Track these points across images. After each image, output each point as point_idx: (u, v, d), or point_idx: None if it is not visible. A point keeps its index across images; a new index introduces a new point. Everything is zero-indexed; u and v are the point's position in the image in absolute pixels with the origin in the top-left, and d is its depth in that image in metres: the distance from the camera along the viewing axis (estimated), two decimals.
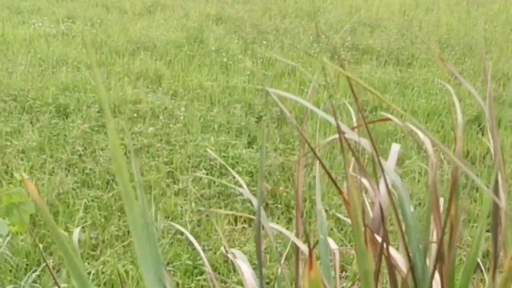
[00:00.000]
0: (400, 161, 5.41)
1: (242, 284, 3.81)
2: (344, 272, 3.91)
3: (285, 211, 4.59)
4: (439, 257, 0.83)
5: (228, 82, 7.25)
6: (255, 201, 1.25)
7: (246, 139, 5.70)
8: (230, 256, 1.33)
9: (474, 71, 8.22)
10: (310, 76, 7.03)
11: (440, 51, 9.05)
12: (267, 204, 4.61)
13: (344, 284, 3.79)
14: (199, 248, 1.35)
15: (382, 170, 0.82)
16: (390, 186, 0.86)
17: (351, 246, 4.11)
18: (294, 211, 4.52)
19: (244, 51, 8.66)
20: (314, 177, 4.98)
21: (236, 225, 4.34)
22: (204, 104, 6.52)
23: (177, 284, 3.69)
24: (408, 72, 8.10)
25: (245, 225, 4.36)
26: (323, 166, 0.79)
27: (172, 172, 4.97)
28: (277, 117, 6.23)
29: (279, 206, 4.61)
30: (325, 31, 10.03)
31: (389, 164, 0.88)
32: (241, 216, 4.41)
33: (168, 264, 3.86)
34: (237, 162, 5.18)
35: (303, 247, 1.22)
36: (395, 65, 8.48)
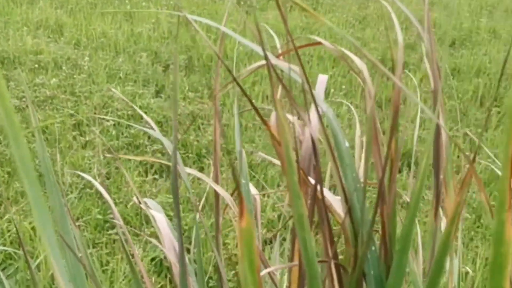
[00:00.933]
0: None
1: (155, 237, 3.71)
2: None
3: (196, 161, 4.48)
4: (380, 198, 0.75)
5: (132, 30, 7.03)
6: (167, 143, 1.14)
7: (154, 88, 5.53)
8: (143, 206, 1.22)
9: (378, 15, 8.25)
10: (216, 24, 6.88)
11: None
12: None
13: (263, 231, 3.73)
14: (110, 200, 1.23)
15: (313, 98, 0.72)
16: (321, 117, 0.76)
17: (270, 192, 4.05)
18: (206, 160, 4.42)
19: None
20: (226, 125, 4.89)
21: (147, 176, 4.21)
22: (108, 53, 6.30)
23: (88, 239, 3.56)
24: (313, 18, 8.04)
25: (156, 176, 4.24)
26: (245, 94, 0.68)
27: (78, 124, 4.78)
28: (184, 65, 6.07)
29: (190, 155, 4.50)
30: None
31: (318, 93, 0.78)
32: (151, 167, 4.29)
33: (77, 219, 3.71)
34: (145, 112, 5.02)
35: (224, 194, 1.12)
36: (301, 11, 8.41)
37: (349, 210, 0.75)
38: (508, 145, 0.54)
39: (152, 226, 3.64)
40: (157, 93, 5.47)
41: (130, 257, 1.27)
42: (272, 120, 0.73)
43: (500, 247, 0.56)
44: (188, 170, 1.15)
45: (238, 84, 0.69)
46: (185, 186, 3.59)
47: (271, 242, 3.75)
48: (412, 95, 0.66)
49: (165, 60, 6.21)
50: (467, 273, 3.46)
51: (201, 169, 4.36)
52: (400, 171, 4.35)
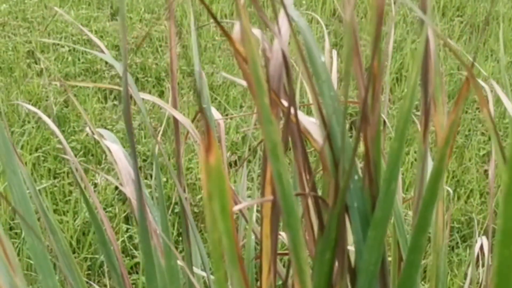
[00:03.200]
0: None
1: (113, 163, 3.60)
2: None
3: (156, 84, 4.35)
4: (363, 119, 0.64)
5: None
6: (121, 67, 1.02)
7: (109, 11, 5.33)
8: (96, 137, 1.11)
9: None
10: None
11: None
12: (137, 79, 4.35)
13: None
14: (59, 134, 1.12)
15: (282, 3, 0.61)
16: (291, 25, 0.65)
17: (233, 115, 3.95)
18: (166, 84, 4.29)
19: None
20: (185, 46, 4.73)
21: (106, 102, 4.08)
22: None
23: (49, 169, 3.44)
24: None
25: (116, 102, 4.10)
26: (206, 7, 0.57)
27: (32, 51, 4.59)
28: None
29: (149, 79, 4.36)
30: None
31: (287, 0, 0.67)
32: (111, 93, 4.15)
33: (36, 150, 3.59)
34: (101, 36, 4.84)
35: (183, 120, 1.01)
36: None
37: (328, 135, 0.65)
38: None
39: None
40: (113, 16, 5.27)
41: (91, 187, 1.17)
42: (236, 33, 0.62)
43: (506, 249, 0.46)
44: (145, 95, 1.04)
45: None
46: (149, 110, 3.45)
47: (235, 164, 3.67)
48: None
49: None
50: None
51: (161, 93, 4.22)
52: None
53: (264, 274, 0.71)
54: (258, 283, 0.70)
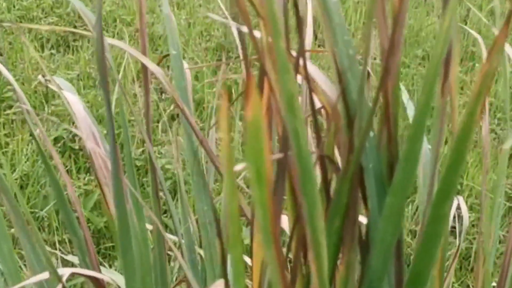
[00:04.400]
0: None
1: (55, 115, 3.46)
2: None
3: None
4: (385, 68, 0.55)
5: None
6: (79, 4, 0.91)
7: None
8: (53, 86, 1.00)
9: None
10: None
11: None
12: (75, 27, 4.17)
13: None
14: (9, 76, 1.00)
15: None
16: None
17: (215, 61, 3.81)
18: (130, 28, 4.13)
19: None
20: None
21: (43, 51, 3.90)
22: None
23: None
24: None
25: (53, 51, 3.93)
26: None
27: None
28: None
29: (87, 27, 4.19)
30: None
31: None
32: (48, 42, 3.98)
33: None
34: None
35: (152, 67, 0.90)
36: None
37: (344, 90, 0.56)
38: None
39: (53, 105, 3.38)
40: None
41: (36, 136, 1.06)
42: None
43: None
44: (113, 41, 0.93)
45: None
46: (88, 60, 3.27)
47: (178, 116, 3.56)
48: None
49: None
50: None
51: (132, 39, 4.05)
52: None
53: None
54: None
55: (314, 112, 0.59)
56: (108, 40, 0.87)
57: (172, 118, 3.49)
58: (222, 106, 0.37)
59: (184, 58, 3.85)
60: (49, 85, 1.05)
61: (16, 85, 1.00)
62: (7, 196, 0.98)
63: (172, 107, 3.56)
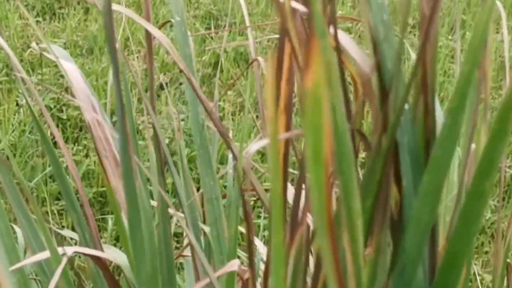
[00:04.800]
0: None
1: (42, 81, 3.38)
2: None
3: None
4: (425, 34, 0.51)
5: None
6: None
7: None
8: (50, 55, 0.95)
9: None
10: None
11: None
12: None
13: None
14: (4, 45, 0.95)
15: None
16: None
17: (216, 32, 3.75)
18: None
19: None
20: None
21: (28, 19, 3.82)
22: None
23: None
24: None
25: (39, 19, 3.85)
26: None
27: None
28: None
29: None
30: None
31: None
32: (33, 9, 3.89)
33: None
34: None
35: (157, 33, 0.85)
36: None
37: (378, 62, 0.51)
38: None
39: (40, 73, 3.32)
40: None
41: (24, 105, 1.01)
42: None
43: None
44: (118, 7, 0.88)
45: None
46: (75, 28, 3.19)
47: (167, 86, 3.50)
48: None
49: None
50: None
51: (86, 10, 3.98)
52: None
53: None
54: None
55: (345, 85, 0.54)
56: (114, 6, 0.82)
57: (161, 87, 3.43)
58: (269, 75, 0.33)
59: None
60: (44, 53, 1.00)
61: (10, 52, 0.94)
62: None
63: (162, 76, 3.50)
